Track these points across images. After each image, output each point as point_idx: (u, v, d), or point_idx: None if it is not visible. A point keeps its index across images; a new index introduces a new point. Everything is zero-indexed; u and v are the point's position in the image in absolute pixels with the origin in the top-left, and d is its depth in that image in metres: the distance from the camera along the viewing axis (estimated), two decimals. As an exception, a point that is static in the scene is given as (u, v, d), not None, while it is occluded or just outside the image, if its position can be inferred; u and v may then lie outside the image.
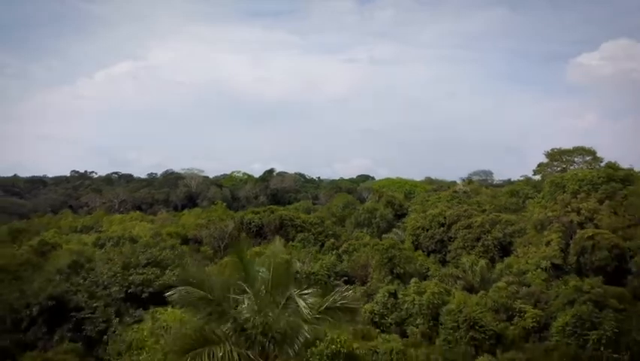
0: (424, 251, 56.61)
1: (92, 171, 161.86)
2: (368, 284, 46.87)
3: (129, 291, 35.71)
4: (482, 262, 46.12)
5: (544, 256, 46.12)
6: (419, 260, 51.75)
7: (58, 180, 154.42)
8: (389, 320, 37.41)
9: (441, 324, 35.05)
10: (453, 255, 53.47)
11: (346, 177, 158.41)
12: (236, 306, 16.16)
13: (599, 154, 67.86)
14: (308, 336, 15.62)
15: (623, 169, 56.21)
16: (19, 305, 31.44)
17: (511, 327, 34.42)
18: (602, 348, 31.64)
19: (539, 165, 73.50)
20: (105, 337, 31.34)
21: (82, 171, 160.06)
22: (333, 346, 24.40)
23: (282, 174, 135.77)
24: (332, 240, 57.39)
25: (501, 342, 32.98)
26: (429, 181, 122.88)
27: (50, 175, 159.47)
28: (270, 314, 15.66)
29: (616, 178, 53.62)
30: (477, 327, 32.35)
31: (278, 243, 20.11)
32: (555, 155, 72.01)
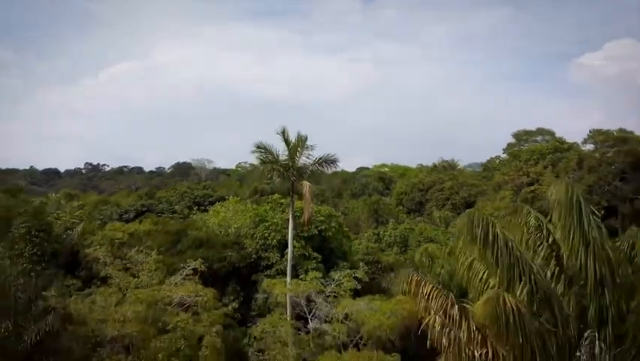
0: (405, 211, 68.83)
1: (104, 164, 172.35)
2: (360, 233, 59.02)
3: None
4: (447, 212, 58.30)
5: (496, 207, 58.23)
6: (399, 215, 63.99)
7: (72, 173, 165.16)
8: (373, 250, 49.56)
9: (408, 246, 47.22)
10: (428, 212, 65.61)
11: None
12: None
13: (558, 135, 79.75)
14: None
15: (568, 142, 68.36)
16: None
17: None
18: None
19: (508, 145, 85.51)
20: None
21: (94, 163, 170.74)
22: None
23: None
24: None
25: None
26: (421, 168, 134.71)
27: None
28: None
29: (561, 149, 65.74)
30: (433, 242, 44.47)
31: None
32: (521, 135, 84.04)
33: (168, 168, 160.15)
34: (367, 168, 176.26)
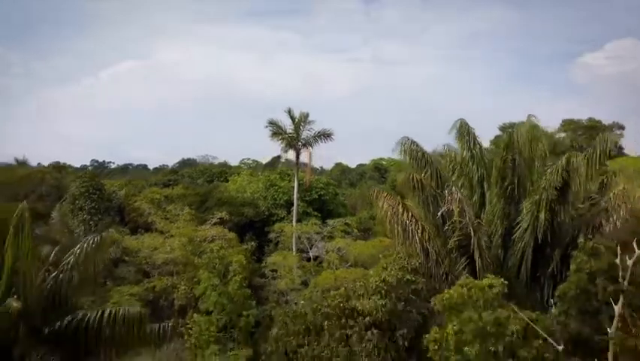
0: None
1: (110, 161, 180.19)
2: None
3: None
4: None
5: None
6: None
7: (79, 170, 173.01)
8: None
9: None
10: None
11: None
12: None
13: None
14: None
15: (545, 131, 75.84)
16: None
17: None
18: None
19: (495, 137, 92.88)
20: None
21: (100, 160, 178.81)
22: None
23: (287, 161, 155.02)
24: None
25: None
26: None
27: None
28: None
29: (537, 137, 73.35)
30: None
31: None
32: (507, 127, 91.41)
33: (173, 165, 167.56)
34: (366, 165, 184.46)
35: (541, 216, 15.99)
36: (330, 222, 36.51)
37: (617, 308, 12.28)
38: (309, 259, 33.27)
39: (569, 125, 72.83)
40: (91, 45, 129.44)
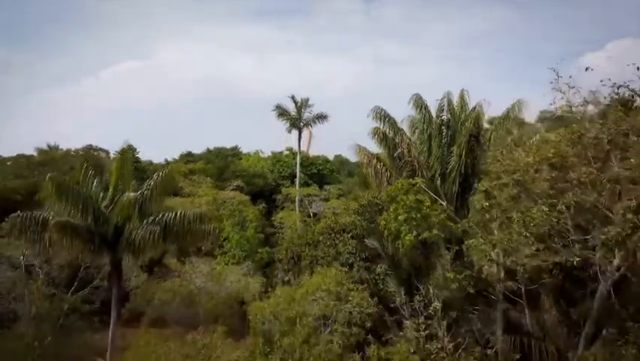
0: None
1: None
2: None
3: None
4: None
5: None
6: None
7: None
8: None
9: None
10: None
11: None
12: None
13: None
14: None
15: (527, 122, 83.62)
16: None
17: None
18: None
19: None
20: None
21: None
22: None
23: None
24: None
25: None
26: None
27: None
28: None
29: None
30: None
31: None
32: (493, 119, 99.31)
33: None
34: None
35: (463, 156, 23.78)
36: (327, 187, 44.45)
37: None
38: (309, 216, 41.13)
39: (544, 114, 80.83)
40: (91, 45, 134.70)
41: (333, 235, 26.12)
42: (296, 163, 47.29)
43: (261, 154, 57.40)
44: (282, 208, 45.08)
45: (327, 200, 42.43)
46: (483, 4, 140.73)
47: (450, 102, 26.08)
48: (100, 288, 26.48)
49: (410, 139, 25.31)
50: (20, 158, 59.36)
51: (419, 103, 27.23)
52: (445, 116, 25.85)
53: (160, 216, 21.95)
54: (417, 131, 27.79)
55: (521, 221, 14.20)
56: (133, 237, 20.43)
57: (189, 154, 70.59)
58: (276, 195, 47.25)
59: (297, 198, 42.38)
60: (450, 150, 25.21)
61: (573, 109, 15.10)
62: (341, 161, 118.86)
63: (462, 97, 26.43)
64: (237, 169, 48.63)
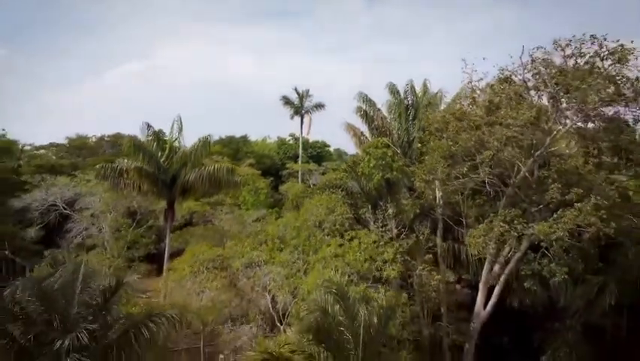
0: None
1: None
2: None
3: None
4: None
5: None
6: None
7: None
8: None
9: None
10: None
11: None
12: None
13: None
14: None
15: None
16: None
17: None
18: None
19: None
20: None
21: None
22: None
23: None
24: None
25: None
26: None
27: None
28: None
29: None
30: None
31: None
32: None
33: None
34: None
35: (420, 127, 32.53)
36: (325, 163, 53.31)
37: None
38: (309, 187, 49.93)
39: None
40: (93, 46, 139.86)
41: (327, 189, 34.94)
42: (298, 146, 56.14)
43: (268, 140, 66.48)
44: (288, 179, 53.96)
45: (324, 174, 51.19)
46: (483, 4, 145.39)
47: (413, 89, 34.78)
48: (152, 227, 35.29)
49: (384, 115, 34.08)
50: (52, 146, 68.35)
51: (393, 89, 35.98)
52: (409, 99, 34.59)
53: (204, 167, 30.72)
54: (392, 111, 36.63)
55: (439, 154, 22.98)
56: (186, 179, 29.23)
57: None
58: (282, 172, 56.04)
59: (299, 172, 51.19)
60: (413, 123, 33.99)
61: (473, 84, 23.57)
62: (339, 154, 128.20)
63: (424, 85, 35.20)
64: (249, 151, 57.50)
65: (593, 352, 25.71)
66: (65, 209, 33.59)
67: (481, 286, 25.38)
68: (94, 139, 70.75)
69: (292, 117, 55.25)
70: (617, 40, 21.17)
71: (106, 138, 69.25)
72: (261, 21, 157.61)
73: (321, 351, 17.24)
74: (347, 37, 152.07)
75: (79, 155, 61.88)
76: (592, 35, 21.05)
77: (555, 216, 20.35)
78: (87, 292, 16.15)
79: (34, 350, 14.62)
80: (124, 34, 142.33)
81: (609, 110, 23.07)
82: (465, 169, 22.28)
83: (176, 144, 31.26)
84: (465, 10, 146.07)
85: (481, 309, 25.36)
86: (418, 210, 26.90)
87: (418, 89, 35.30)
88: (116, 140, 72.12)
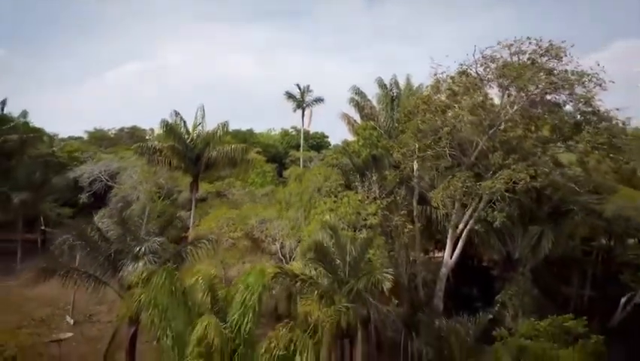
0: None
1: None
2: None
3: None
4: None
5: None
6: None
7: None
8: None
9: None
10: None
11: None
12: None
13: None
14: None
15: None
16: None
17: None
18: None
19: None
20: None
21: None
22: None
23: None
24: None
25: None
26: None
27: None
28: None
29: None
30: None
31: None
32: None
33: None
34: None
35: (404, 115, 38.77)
36: (324, 151, 59.64)
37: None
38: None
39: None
40: (95, 46, 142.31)
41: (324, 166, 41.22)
42: (300, 137, 62.40)
43: (272, 132, 72.89)
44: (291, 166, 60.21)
45: (323, 160, 57.48)
46: (484, 4, 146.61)
47: (397, 83, 41.10)
48: (176, 200, 41.68)
49: (373, 104, 40.43)
50: (72, 139, 74.72)
51: (380, 83, 42.27)
52: (394, 91, 40.91)
53: (222, 147, 37.07)
54: (380, 101, 42.90)
55: (411, 132, 29.26)
56: (209, 155, 35.55)
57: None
58: (285, 160, 62.32)
59: (300, 159, 57.52)
60: (397, 110, 40.27)
61: (437, 76, 29.74)
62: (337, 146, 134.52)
63: (407, 79, 41.62)
64: (255, 141, 63.86)
65: (540, 295, 32.11)
66: (108, 181, 40.12)
67: (448, 241, 31.67)
68: (113, 131, 77.14)
69: (295, 110, 61.46)
70: (549, 41, 27.55)
71: (125, 130, 75.78)
72: (262, 21, 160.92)
73: (319, 271, 23.68)
74: (347, 37, 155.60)
75: (100, 145, 68.20)
76: (528, 37, 27.42)
77: (497, 175, 26.66)
78: (151, 224, 22.75)
79: (116, 256, 21.15)
80: (123, 35, 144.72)
81: (551, 98, 29.50)
82: (429, 142, 28.50)
83: (198, 128, 37.50)
84: (465, 10, 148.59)
85: (449, 259, 31.60)
86: (398, 180, 33.18)
87: (403, 83, 41.59)
88: (134, 132, 78.66)
